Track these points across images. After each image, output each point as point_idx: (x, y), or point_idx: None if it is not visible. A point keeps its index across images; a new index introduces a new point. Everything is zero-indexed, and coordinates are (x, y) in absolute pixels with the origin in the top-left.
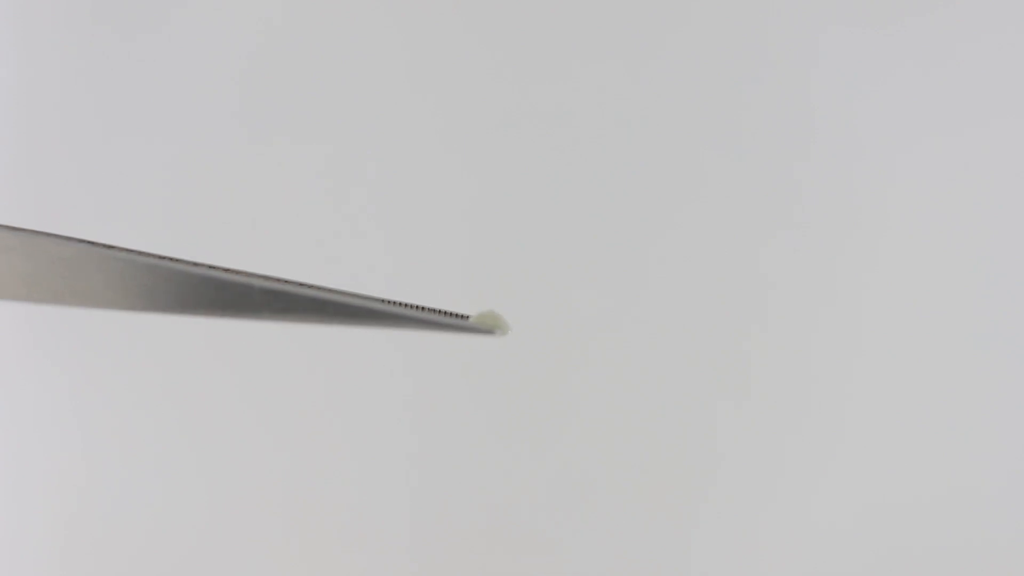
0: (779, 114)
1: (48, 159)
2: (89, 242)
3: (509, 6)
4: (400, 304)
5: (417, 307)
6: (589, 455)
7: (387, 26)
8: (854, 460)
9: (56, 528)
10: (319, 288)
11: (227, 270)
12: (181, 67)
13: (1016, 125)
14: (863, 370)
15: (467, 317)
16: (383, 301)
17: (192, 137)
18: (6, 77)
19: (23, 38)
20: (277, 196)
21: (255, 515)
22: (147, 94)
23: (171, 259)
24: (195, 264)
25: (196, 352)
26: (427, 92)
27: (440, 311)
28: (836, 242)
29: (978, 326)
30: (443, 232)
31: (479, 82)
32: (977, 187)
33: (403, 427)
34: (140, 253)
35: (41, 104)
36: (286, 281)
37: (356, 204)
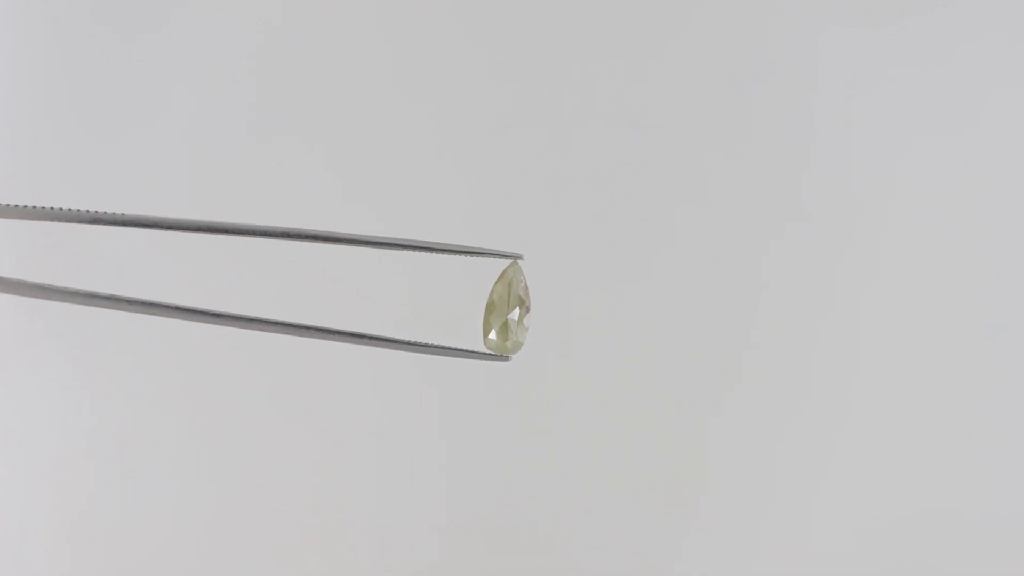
0: (779, 114)
1: (48, 159)
2: (87, 294)
3: (511, 7)
4: (405, 342)
5: (420, 343)
6: (589, 458)
7: (388, 25)
8: (854, 465)
9: (64, 526)
10: (326, 330)
11: (232, 316)
12: (181, 67)
13: (1016, 125)
14: (863, 372)
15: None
16: (385, 339)
17: (192, 137)
18: (6, 77)
19: (23, 38)
20: (278, 196)
21: (264, 514)
22: (147, 94)
23: (173, 306)
24: (196, 309)
25: (208, 345)
26: (429, 91)
27: (446, 346)
28: (836, 242)
29: (980, 327)
30: (444, 233)
31: (481, 81)
32: (977, 187)
33: (403, 428)
34: (145, 303)
35: (41, 104)
36: (291, 323)
37: (357, 204)
